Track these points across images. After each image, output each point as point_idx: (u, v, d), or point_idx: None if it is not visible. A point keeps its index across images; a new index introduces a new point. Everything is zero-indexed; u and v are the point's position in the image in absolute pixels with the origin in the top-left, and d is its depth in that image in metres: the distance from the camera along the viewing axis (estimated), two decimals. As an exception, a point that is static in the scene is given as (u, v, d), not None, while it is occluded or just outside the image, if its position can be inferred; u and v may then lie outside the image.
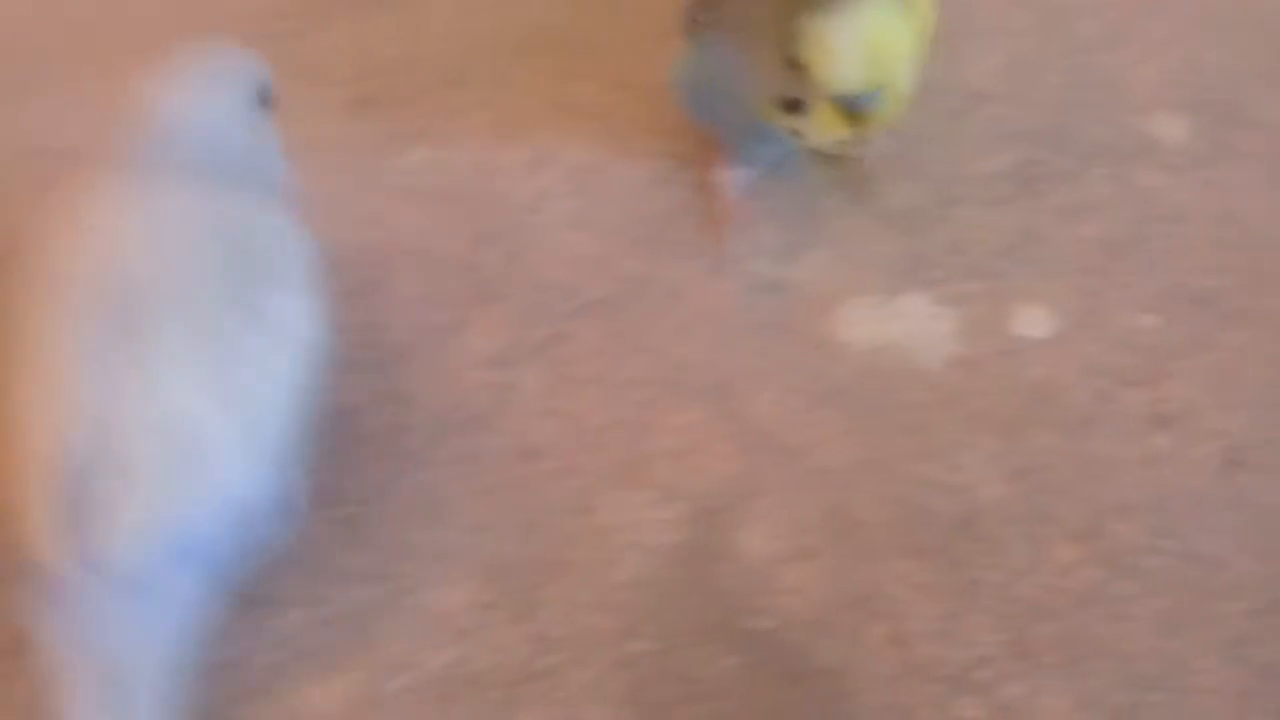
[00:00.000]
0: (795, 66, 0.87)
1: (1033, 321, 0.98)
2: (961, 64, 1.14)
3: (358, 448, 0.95)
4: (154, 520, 0.74)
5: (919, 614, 0.87)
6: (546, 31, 1.17)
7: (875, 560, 0.89)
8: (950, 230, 1.04)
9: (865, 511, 0.90)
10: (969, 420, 0.94)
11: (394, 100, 1.14)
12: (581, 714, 0.84)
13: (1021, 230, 1.03)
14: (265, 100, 0.93)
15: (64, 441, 0.74)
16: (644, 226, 1.06)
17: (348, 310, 0.99)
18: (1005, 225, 1.04)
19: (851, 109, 0.87)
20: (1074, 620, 0.86)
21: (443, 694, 0.85)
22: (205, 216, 0.83)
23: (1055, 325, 0.98)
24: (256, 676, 0.86)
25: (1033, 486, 0.91)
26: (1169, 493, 0.90)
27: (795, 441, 0.94)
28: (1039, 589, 0.87)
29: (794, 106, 0.89)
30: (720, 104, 0.99)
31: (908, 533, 0.89)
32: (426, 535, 0.91)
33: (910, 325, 0.99)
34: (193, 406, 0.76)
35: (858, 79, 0.85)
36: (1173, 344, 0.97)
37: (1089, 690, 0.83)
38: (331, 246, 1.00)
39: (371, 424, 0.96)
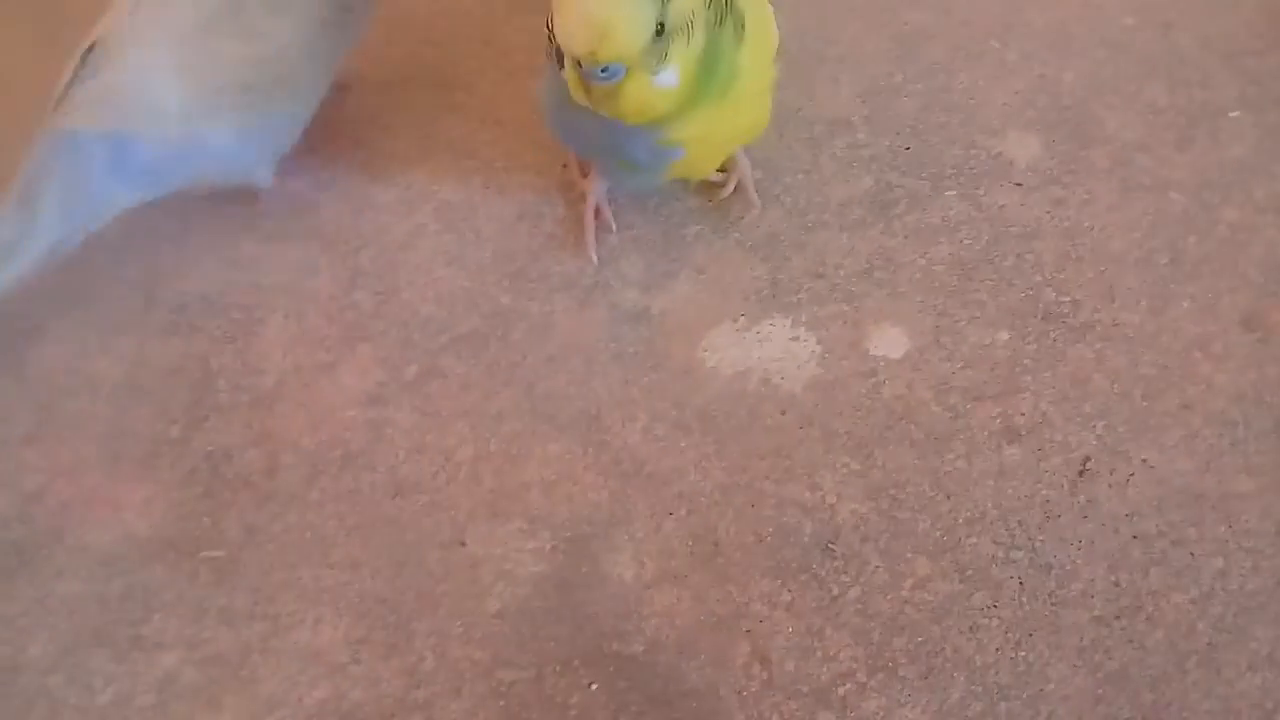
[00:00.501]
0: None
1: (889, 342, 1.00)
2: (818, 91, 1.15)
3: (232, 489, 0.95)
4: (102, 112, 0.96)
5: (782, 632, 0.88)
6: (417, 68, 1.17)
7: (740, 581, 0.90)
8: (809, 255, 1.05)
9: (730, 534, 0.92)
10: (828, 440, 0.95)
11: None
12: (454, 745, 0.84)
13: (878, 253, 1.05)
14: None
15: (102, 33, 0.97)
16: (514, 261, 1.06)
17: (220, 353, 0.99)
18: (862, 248, 1.05)
19: (585, 77, 0.87)
20: (930, 633, 0.87)
21: (319, 730, 0.85)
22: None
23: (910, 345, 0.99)
24: (136, 718, 0.86)
25: (890, 503, 0.92)
26: (1020, 505, 0.92)
27: (662, 468, 0.95)
28: (897, 603, 0.89)
29: (559, 60, 0.89)
30: (571, 121, 0.99)
31: (771, 553, 0.91)
32: (300, 574, 0.92)
33: (772, 349, 1.00)
34: (160, 65, 0.97)
35: (580, 45, 0.85)
36: (1024, 359, 0.98)
37: (945, 702, 0.85)
38: (205, 289, 1.00)
39: (245, 465, 0.96)
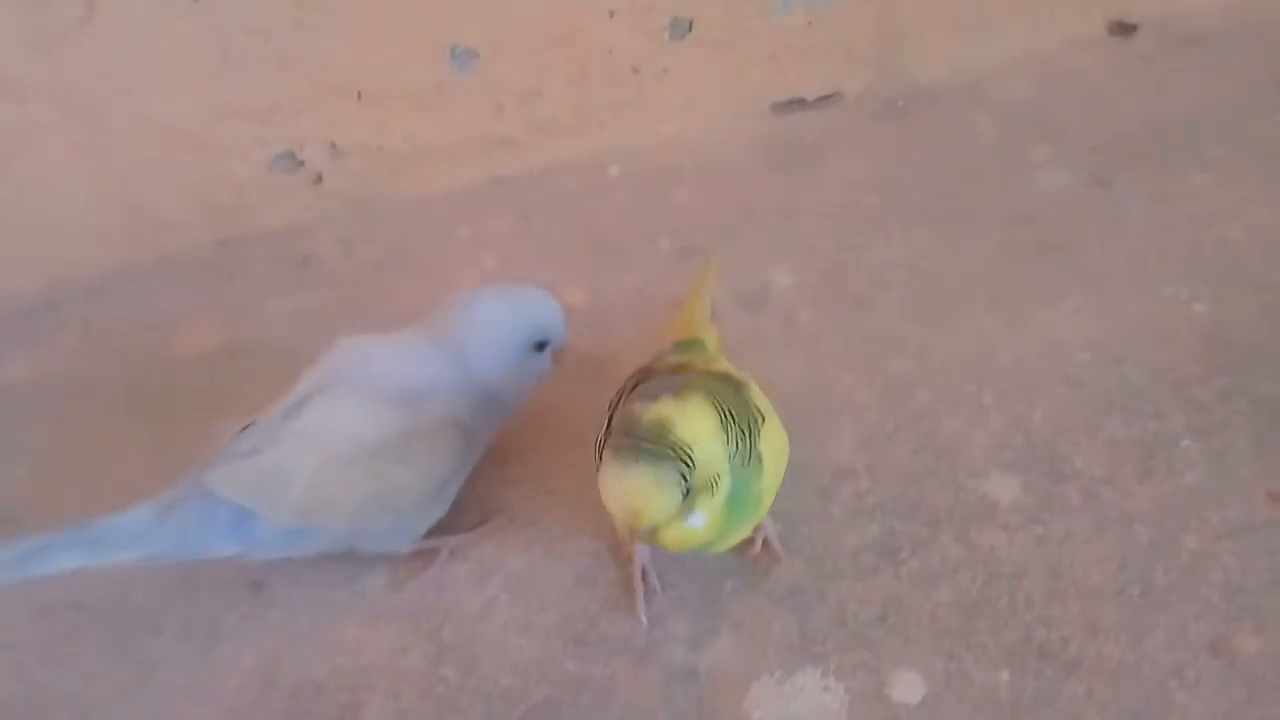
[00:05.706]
0: None
1: (907, 688, 1.03)
2: (823, 443, 1.20)
3: None
4: (236, 486, 1.04)
5: None
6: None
7: None
8: (830, 605, 1.09)
9: None
10: (866, 793, 0.98)
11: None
12: None
13: (890, 599, 1.08)
14: (541, 346, 1.13)
15: (257, 422, 1.07)
16: (575, 626, 1.10)
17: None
18: (875, 595, 1.09)
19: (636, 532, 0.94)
20: None
21: None
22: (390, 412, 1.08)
23: (926, 689, 1.03)
24: None
25: None
26: (1037, 843, 0.94)
27: (723, 831, 0.97)
28: None
29: None
30: None
31: None
32: None
33: (807, 701, 1.03)
34: (293, 470, 1.05)
35: (620, 516, 0.92)
36: (1024, 698, 1.02)
37: None
38: (314, 675, 1.04)
39: None
